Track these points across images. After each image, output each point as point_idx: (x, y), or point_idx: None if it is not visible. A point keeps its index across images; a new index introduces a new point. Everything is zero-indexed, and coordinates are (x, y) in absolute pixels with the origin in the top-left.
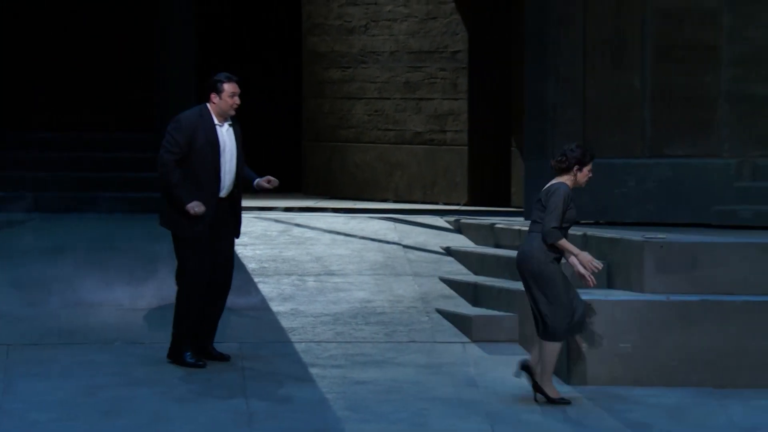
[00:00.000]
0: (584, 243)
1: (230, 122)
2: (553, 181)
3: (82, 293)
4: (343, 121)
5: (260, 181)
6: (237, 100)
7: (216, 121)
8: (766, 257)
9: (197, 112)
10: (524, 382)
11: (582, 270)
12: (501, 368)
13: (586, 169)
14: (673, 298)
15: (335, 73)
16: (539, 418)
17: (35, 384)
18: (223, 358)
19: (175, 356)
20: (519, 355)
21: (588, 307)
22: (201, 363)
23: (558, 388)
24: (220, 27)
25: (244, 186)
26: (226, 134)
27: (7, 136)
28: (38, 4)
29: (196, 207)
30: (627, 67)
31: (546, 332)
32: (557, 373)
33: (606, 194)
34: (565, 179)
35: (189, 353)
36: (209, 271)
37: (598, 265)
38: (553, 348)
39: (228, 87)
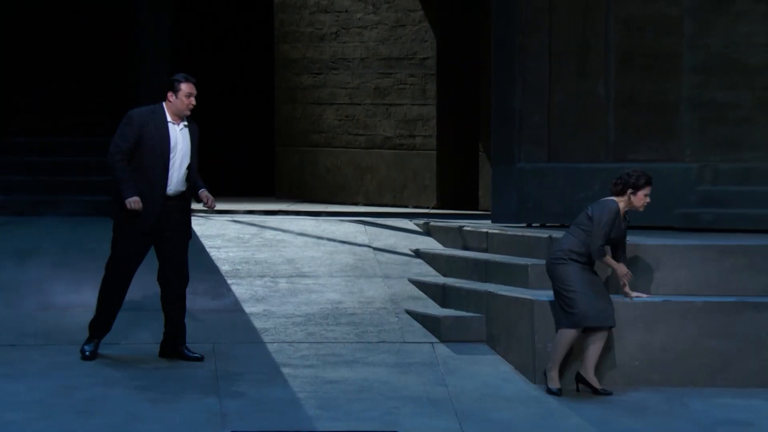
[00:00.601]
0: (550, 245)
1: (186, 123)
2: (608, 197)
3: (55, 296)
4: (314, 126)
5: (204, 192)
6: (193, 100)
7: (170, 119)
8: (727, 259)
9: (150, 109)
10: (492, 380)
11: (625, 279)
12: (469, 367)
13: (641, 194)
14: (636, 299)
15: (307, 79)
16: (506, 416)
17: (11, 384)
18: (196, 358)
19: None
20: (487, 354)
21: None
22: (88, 355)
23: (524, 388)
24: (195, 35)
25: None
26: (179, 134)
27: None
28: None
29: (133, 203)
30: (591, 74)
31: (560, 322)
32: (524, 371)
33: (572, 197)
34: (619, 200)
35: (89, 345)
36: (134, 266)
37: (629, 276)
38: (564, 337)
39: (185, 87)
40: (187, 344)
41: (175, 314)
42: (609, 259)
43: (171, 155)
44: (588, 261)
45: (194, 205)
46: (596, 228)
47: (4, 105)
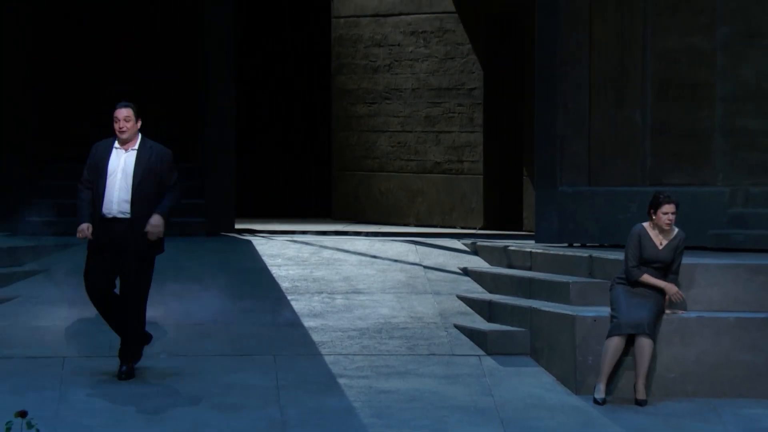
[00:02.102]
0: (590, 264)
1: (138, 146)
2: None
3: None
4: (368, 152)
5: (153, 218)
6: (119, 125)
7: (116, 146)
8: (757, 277)
9: (108, 140)
10: (536, 391)
11: (673, 298)
12: (514, 379)
13: (660, 212)
14: (673, 315)
15: (362, 108)
16: (549, 424)
17: (87, 393)
18: (121, 374)
19: None
20: (530, 366)
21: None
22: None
23: (565, 399)
24: (258, 68)
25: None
26: (124, 159)
27: (57, 168)
28: (86, 44)
29: (78, 231)
30: (629, 103)
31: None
32: (565, 383)
33: (610, 219)
34: (649, 222)
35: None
36: (99, 280)
37: (678, 295)
38: (605, 347)
39: (115, 113)
40: (124, 368)
41: (126, 324)
42: (647, 278)
43: (108, 179)
44: (625, 281)
45: (255, 226)
46: (625, 252)
47: (76, 132)
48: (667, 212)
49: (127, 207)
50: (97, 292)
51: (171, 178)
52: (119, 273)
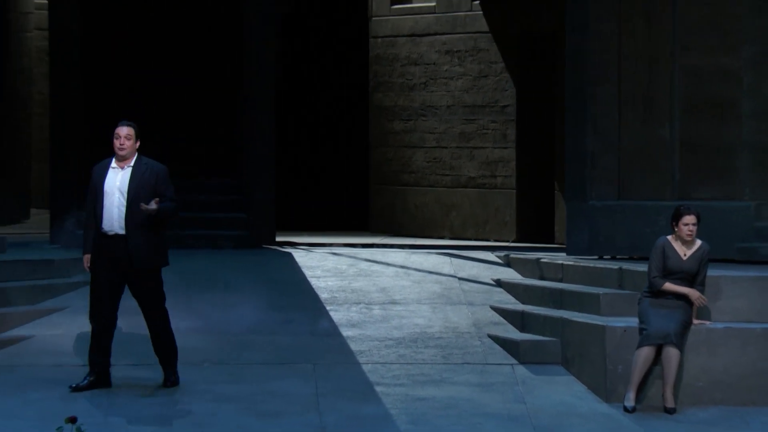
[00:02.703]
0: (620, 276)
1: (132, 165)
2: None
3: (173, 318)
4: (405, 167)
5: (151, 203)
6: (119, 142)
7: (113, 165)
8: None
9: (106, 161)
10: (567, 399)
11: (696, 303)
12: (546, 387)
13: (681, 224)
14: (700, 326)
15: (398, 124)
16: (582, 431)
17: (134, 400)
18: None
19: None
20: (562, 375)
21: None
22: (74, 389)
23: (596, 407)
24: (297, 86)
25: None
26: (119, 177)
27: None
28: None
29: (84, 259)
30: (657, 119)
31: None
32: (596, 391)
33: (639, 232)
34: (671, 235)
35: (87, 377)
36: (103, 297)
37: (702, 299)
38: (635, 356)
39: (116, 130)
40: (171, 370)
41: (155, 340)
42: (669, 285)
43: (106, 198)
44: (656, 293)
45: (295, 239)
46: (648, 263)
47: None
48: (687, 223)
49: (123, 225)
50: (102, 306)
51: (168, 193)
52: (131, 290)
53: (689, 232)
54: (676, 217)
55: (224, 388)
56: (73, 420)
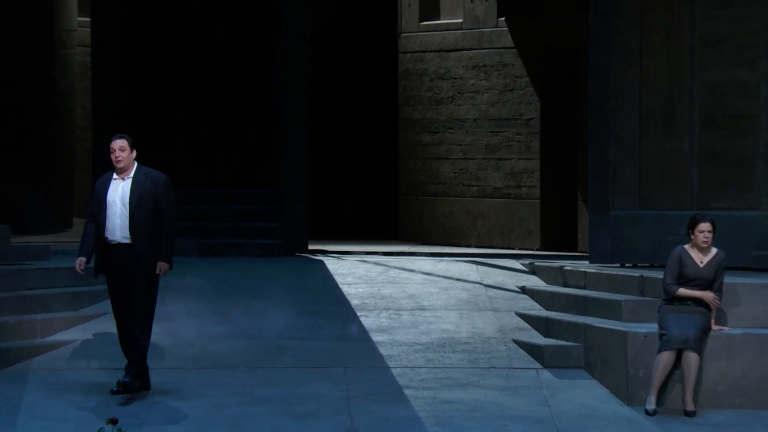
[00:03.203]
0: (641, 283)
1: (132, 176)
2: None
3: (211, 324)
4: (432, 178)
5: (159, 266)
6: (114, 155)
7: (115, 176)
8: None
9: (108, 173)
10: (590, 402)
11: (711, 305)
12: (569, 390)
13: (696, 231)
14: (719, 332)
15: (426, 137)
16: None
17: (172, 402)
18: (114, 391)
19: None
20: (584, 379)
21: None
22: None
23: (618, 410)
24: (329, 99)
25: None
26: (121, 188)
27: None
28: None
29: (76, 262)
30: (677, 132)
31: None
32: (618, 395)
33: (660, 241)
34: (688, 244)
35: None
36: (117, 299)
37: (716, 300)
38: (656, 361)
39: (110, 146)
40: (127, 378)
41: (137, 341)
42: (684, 291)
43: (108, 209)
44: (673, 300)
45: (327, 247)
46: (664, 271)
47: (169, 162)
48: (703, 230)
49: (127, 232)
50: (116, 311)
51: (167, 202)
52: (128, 291)
53: (705, 239)
54: (692, 225)
55: (259, 391)
56: (114, 421)
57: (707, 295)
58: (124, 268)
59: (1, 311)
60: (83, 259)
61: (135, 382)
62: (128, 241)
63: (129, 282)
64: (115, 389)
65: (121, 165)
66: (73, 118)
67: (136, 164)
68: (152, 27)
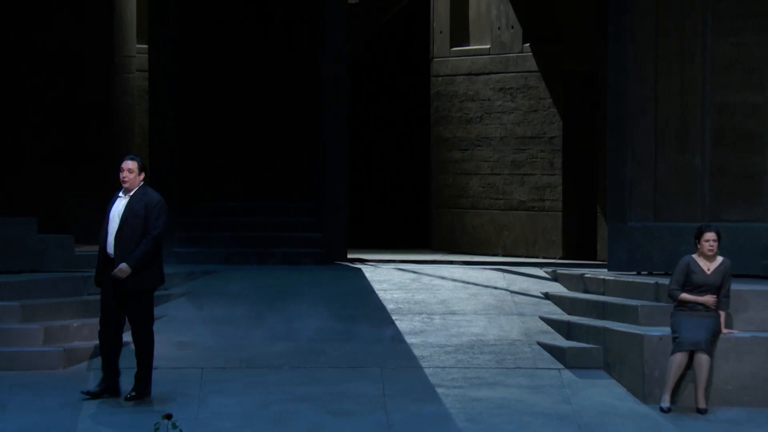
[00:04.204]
0: (656, 290)
1: (132, 194)
2: None
3: (256, 327)
4: (462, 192)
5: (121, 264)
6: (122, 174)
7: (120, 194)
8: None
9: (119, 190)
10: (609, 400)
11: (712, 306)
12: (589, 389)
13: (702, 240)
14: (729, 335)
15: (456, 154)
16: (620, 429)
17: (222, 399)
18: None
19: None
20: (604, 379)
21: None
22: (86, 394)
23: (635, 407)
24: (367, 119)
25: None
26: (120, 206)
27: (200, 206)
28: (218, 107)
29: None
30: (689, 149)
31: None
32: (635, 393)
33: (673, 250)
34: (695, 253)
35: (94, 386)
36: (109, 311)
37: (714, 300)
38: (670, 362)
39: (121, 165)
40: (139, 385)
41: (137, 352)
42: (685, 295)
43: (109, 224)
44: (683, 307)
45: (365, 256)
46: (671, 278)
47: (219, 177)
48: (708, 239)
49: (122, 249)
50: (107, 324)
51: (153, 224)
52: (123, 306)
53: (710, 248)
54: (698, 235)
55: (301, 389)
56: (168, 416)
57: (707, 300)
58: (125, 283)
59: (65, 315)
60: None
61: (143, 390)
62: (128, 255)
63: (121, 295)
64: (127, 397)
65: (126, 185)
66: (132, 136)
67: (141, 185)
68: (204, 53)
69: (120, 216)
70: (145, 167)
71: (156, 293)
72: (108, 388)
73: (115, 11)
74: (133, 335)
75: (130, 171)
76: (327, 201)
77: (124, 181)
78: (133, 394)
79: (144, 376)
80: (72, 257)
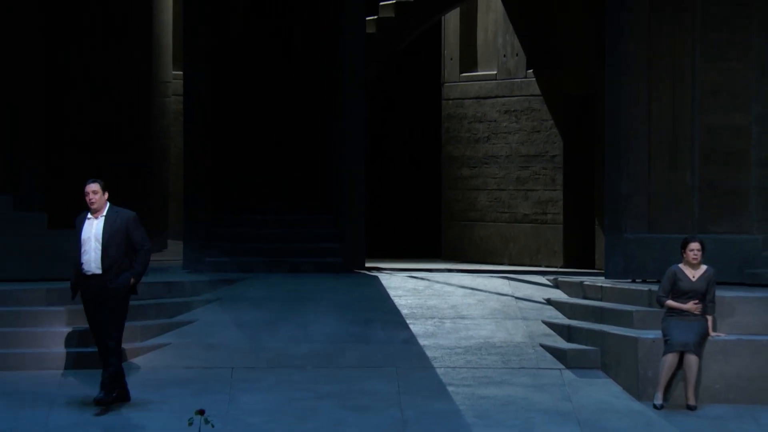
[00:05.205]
0: (649, 296)
1: (105, 215)
2: None
3: (281, 330)
4: (470, 206)
5: (123, 276)
6: (88, 198)
7: (89, 216)
8: None
9: (84, 213)
10: (606, 398)
11: (694, 312)
12: (588, 388)
13: (687, 250)
14: (717, 338)
15: (465, 171)
16: (617, 425)
17: (250, 396)
18: (97, 402)
19: None
20: (601, 378)
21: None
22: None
23: (630, 404)
24: (382, 138)
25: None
26: (94, 226)
27: (229, 219)
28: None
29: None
30: (680, 166)
31: None
32: (630, 391)
33: (665, 260)
34: (681, 263)
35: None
36: (91, 322)
37: (696, 307)
38: (662, 362)
39: (85, 189)
40: (102, 393)
41: (105, 362)
42: (670, 302)
43: (84, 245)
44: (672, 312)
45: (381, 264)
46: (659, 285)
47: (247, 191)
48: (692, 249)
49: (100, 264)
50: (93, 332)
51: (137, 237)
52: (102, 316)
53: (695, 256)
54: (684, 245)
55: (323, 387)
56: (201, 412)
57: (690, 307)
58: (98, 296)
59: None
60: (74, 287)
61: (109, 396)
62: (101, 272)
63: (102, 307)
64: (93, 403)
65: (94, 207)
66: (168, 156)
67: (108, 204)
68: (232, 79)
69: (101, 235)
70: (107, 187)
71: (188, 299)
72: (120, 395)
73: (153, 41)
74: (108, 339)
75: (95, 193)
76: (346, 214)
77: (92, 203)
78: (101, 396)
79: (108, 382)
80: None
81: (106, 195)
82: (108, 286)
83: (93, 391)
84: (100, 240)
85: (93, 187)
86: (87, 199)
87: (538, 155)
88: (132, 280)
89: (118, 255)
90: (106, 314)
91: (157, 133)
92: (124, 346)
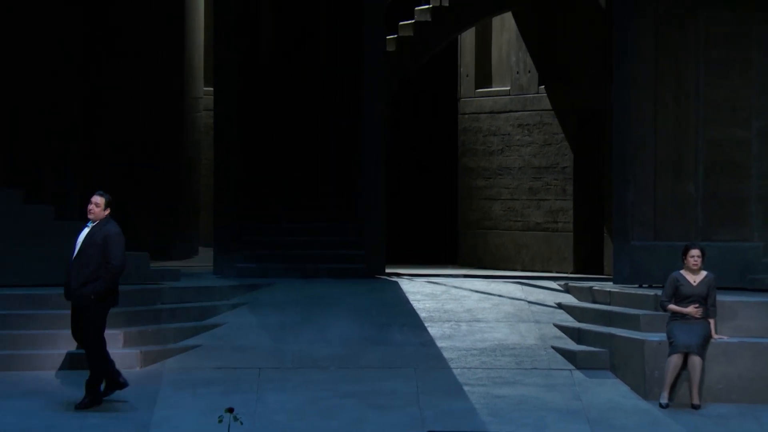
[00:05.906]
0: (655, 301)
1: (95, 225)
2: None
3: (305, 333)
4: (485, 215)
5: (84, 290)
6: (89, 206)
7: (87, 225)
8: None
9: (88, 222)
10: (614, 397)
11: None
12: (597, 388)
13: (688, 256)
14: (719, 340)
15: (480, 181)
16: (625, 423)
17: (276, 395)
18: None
19: None
20: (610, 378)
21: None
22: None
23: (637, 403)
24: (401, 150)
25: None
26: (83, 236)
27: (257, 228)
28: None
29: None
30: (684, 177)
31: None
32: (637, 391)
33: (670, 266)
34: (683, 269)
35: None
36: (74, 330)
37: (696, 311)
38: (667, 363)
39: (91, 198)
40: (87, 392)
41: (88, 363)
42: (672, 306)
43: (73, 253)
44: (676, 316)
45: (401, 270)
46: (662, 291)
47: (274, 201)
48: (693, 255)
49: (79, 276)
50: (76, 339)
51: (110, 253)
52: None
53: (695, 262)
54: (685, 252)
55: (345, 387)
56: (230, 410)
57: (690, 310)
58: (81, 304)
59: (141, 322)
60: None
61: (86, 399)
62: (69, 278)
63: (83, 315)
64: (77, 407)
65: (91, 216)
66: (199, 168)
67: (105, 217)
68: (260, 94)
69: (79, 245)
70: (113, 204)
71: (218, 303)
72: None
73: (185, 60)
74: (85, 349)
75: (96, 205)
76: (368, 222)
77: (90, 212)
78: (86, 401)
79: (92, 384)
80: (147, 272)
81: (108, 211)
82: (74, 293)
83: (124, 393)
84: (83, 250)
85: (96, 200)
86: (88, 207)
87: (550, 167)
88: (85, 294)
89: (88, 265)
90: (84, 321)
91: (189, 146)
92: (156, 347)
